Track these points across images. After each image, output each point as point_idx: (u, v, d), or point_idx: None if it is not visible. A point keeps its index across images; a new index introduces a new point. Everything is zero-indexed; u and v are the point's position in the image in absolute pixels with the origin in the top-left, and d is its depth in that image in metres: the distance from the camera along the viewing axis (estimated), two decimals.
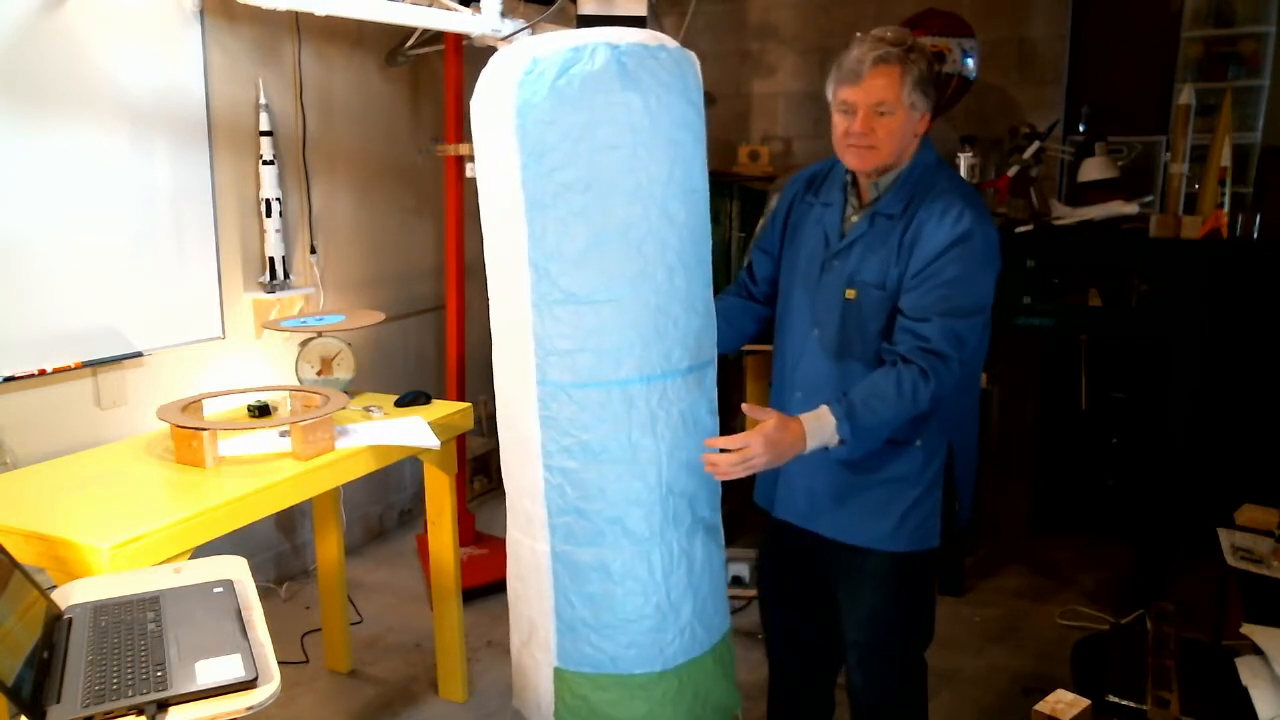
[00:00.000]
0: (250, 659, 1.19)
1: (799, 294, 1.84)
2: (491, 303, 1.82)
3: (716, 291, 1.86)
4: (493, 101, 1.66)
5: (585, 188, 1.61)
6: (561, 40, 1.61)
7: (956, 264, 1.64)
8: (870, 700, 1.88)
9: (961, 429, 1.84)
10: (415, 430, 2.18)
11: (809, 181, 1.90)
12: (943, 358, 1.63)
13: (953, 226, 1.64)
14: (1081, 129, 3.61)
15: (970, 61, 3.43)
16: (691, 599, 1.82)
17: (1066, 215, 3.20)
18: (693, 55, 1.74)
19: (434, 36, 3.26)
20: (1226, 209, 2.92)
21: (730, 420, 3.57)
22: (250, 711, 1.13)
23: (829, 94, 1.75)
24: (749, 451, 1.57)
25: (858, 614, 1.85)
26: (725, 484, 1.91)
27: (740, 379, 3.66)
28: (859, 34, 1.71)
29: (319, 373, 2.51)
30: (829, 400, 1.63)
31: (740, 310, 2.00)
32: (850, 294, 1.74)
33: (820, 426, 1.61)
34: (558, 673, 1.81)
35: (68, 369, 2.37)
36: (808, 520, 1.88)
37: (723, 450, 1.61)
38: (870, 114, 1.67)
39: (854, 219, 1.78)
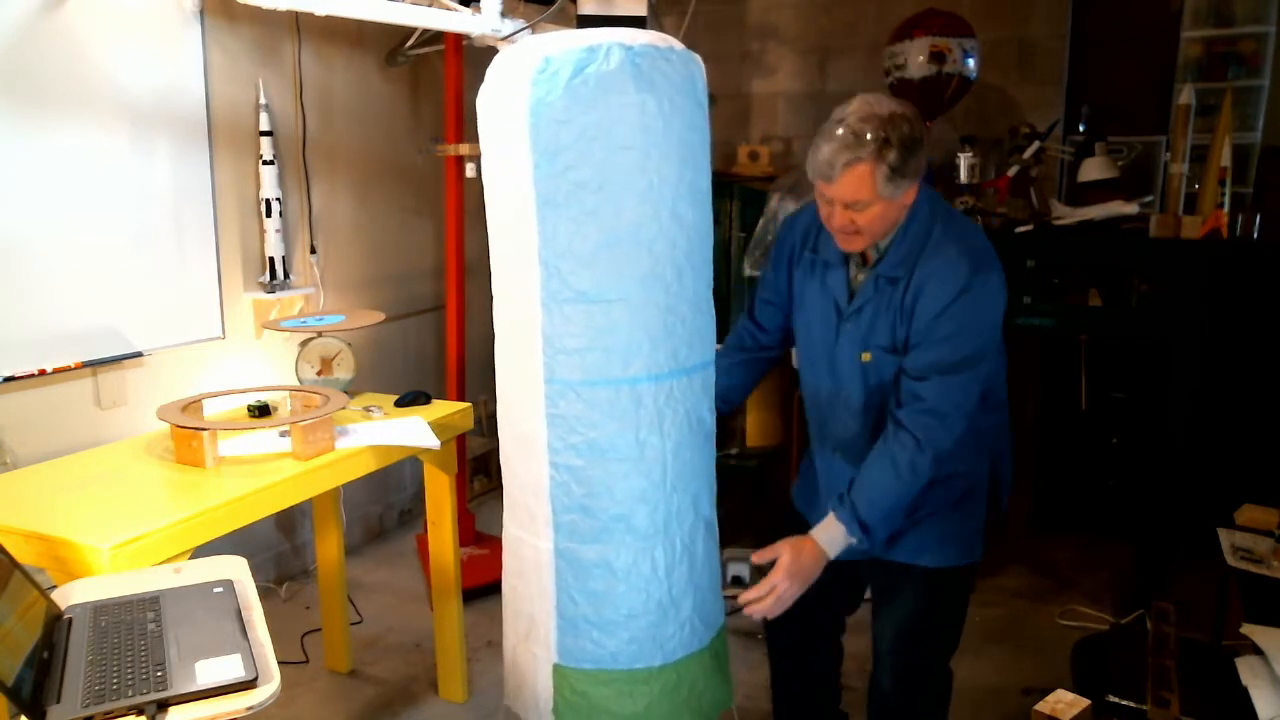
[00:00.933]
0: (250, 659, 1.18)
1: (818, 354, 1.85)
2: (496, 301, 1.82)
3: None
4: (503, 99, 1.66)
5: (598, 187, 1.62)
6: (574, 39, 1.61)
7: (955, 319, 1.65)
8: (898, 705, 1.88)
9: (999, 443, 1.88)
10: (415, 430, 2.18)
11: (805, 234, 1.87)
12: (940, 416, 1.65)
13: (950, 284, 1.65)
14: (1081, 129, 3.61)
15: (970, 61, 3.43)
16: (693, 594, 1.82)
17: (1066, 215, 3.20)
18: (699, 58, 1.75)
19: (434, 36, 3.26)
20: (1226, 209, 2.92)
21: (731, 419, 3.58)
22: (250, 711, 1.13)
23: (808, 175, 1.72)
24: (779, 590, 1.68)
25: (895, 624, 1.85)
26: (725, 485, 1.92)
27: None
28: (834, 119, 1.66)
29: (319, 373, 2.51)
30: (833, 505, 1.69)
31: (746, 366, 2.04)
32: (866, 357, 1.76)
33: (832, 536, 1.69)
34: (557, 669, 1.81)
35: (68, 369, 2.37)
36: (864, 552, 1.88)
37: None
38: (846, 210, 1.66)
39: (860, 278, 1.78)
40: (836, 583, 1.93)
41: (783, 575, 1.68)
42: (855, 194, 1.63)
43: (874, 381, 1.77)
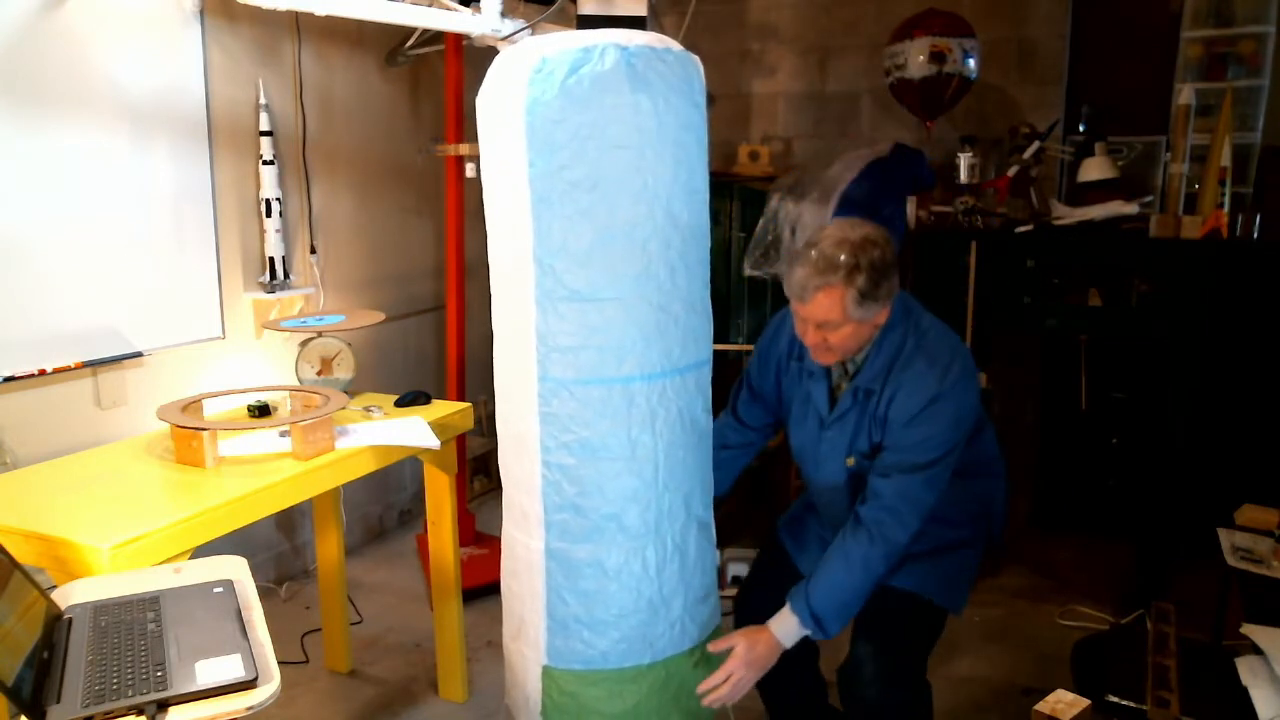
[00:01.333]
0: (250, 659, 1.19)
1: (808, 453, 1.94)
2: (494, 299, 1.83)
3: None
4: (501, 99, 1.66)
5: (592, 186, 1.62)
6: (570, 40, 1.62)
7: (924, 426, 1.73)
8: (882, 709, 1.88)
9: (992, 499, 1.97)
10: (415, 430, 2.18)
11: (790, 343, 1.93)
12: (895, 513, 1.73)
13: (920, 395, 1.73)
14: (1081, 129, 3.61)
15: (970, 61, 3.43)
16: (683, 594, 1.83)
17: (1066, 215, 3.20)
18: (696, 59, 1.75)
19: (434, 36, 3.26)
20: (1226, 209, 2.92)
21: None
22: (250, 711, 1.13)
23: (785, 292, 1.79)
24: (736, 678, 1.74)
25: (873, 650, 1.85)
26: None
27: (738, 379, 3.66)
28: (809, 241, 1.74)
29: (319, 373, 2.51)
30: (790, 597, 1.77)
31: (729, 463, 2.09)
32: (850, 462, 1.85)
33: (787, 629, 1.77)
34: (546, 671, 1.82)
35: (68, 369, 2.37)
36: None
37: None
38: (818, 329, 1.73)
39: (843, 386, 1.86)
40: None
41: (739, 664, 1.75)
42: (827, 315, 1.70)
43: (857, 482, 1.85)
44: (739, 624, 2.03)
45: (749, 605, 2.06)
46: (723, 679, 1.75)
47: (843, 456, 1.85)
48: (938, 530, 1.85)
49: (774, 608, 1.92)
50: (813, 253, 1.69)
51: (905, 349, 1.77)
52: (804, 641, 2.04)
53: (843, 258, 1.66)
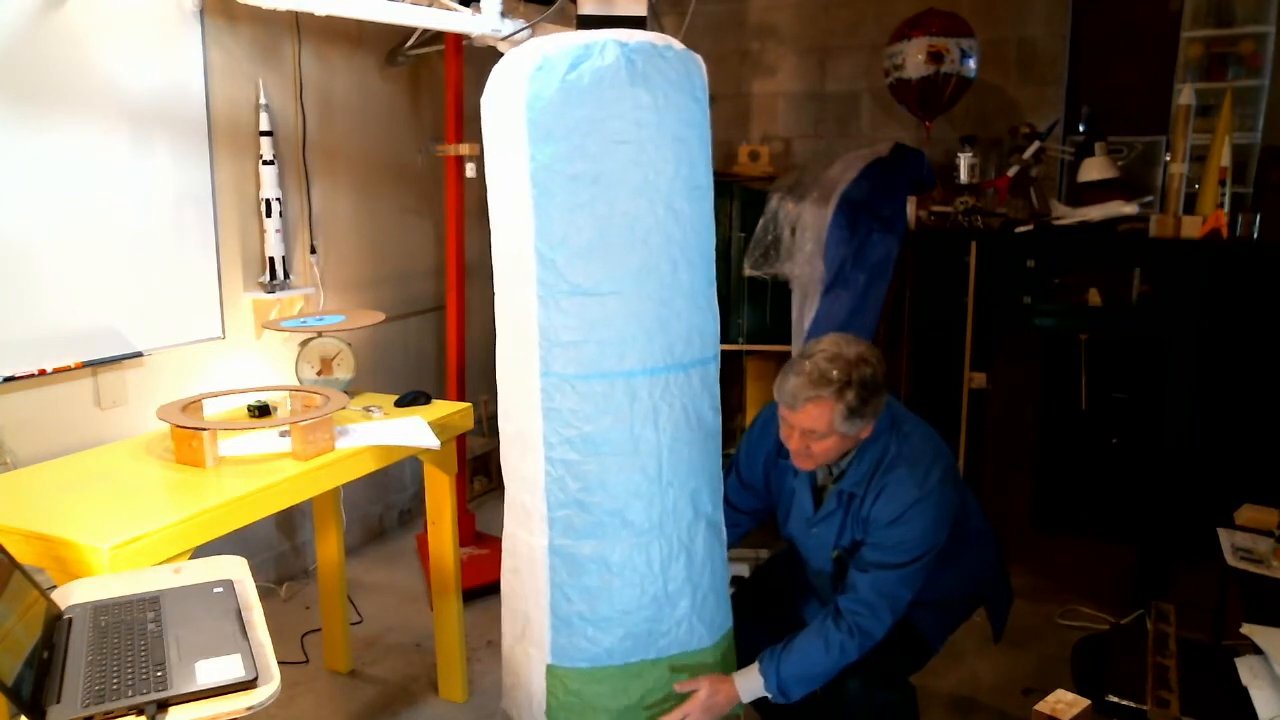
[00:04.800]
0: (250, 659, 1.19)
1: (797, 541, 2.00)
2: (496, 294, 1.83)
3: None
4: (504, 96, 1.67)
5: (593, 180, 1.62)
6: (572, 38, 1.63)
7: (905, 528, 1.77)
8: (865, 693, 1.89)
9: (981, 569, 2.05)
10: (415, 430, 2.18)
11: (777, 441, 1.95)
12: (870, 606, 1.78)
13: (901, 499, 1.77)
14: (1081, 129, 3.61)
15: (969, 61, 3.43)
16: (691, 593, 1.82)
17: (1066, 215, 3.20)
18: (698, 57, 1.75)
19: (434, 36, 3.26)
20: (1226, 209, 2.92)
21: (730, 420, 3.57)
22: (250, 711, 1.13)
23: (775, 397, 1.83)
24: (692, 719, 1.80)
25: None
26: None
27: (741, 378, 3.67)
28: (804, 353, 1.79)
29: (319, 373, 2.50)
30: (761, 659, 1.82)
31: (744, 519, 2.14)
32: (835, 554, 1.90)
33: (751, 686, 1.81)
34: (550, 670, 1.81)
35: (68, 369, 2.36)
36: (810, 612, 2.02)
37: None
38: (803, 435, 1.77)
39: (829, 487, 1.90)
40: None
41: (697, 708, 1.79)
42: (813, 425, 1.74)
43: (842, 574, 1.90)
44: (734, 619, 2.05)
45: (746, 604, 2.07)
46: (677, 718, 1.80)
47: (829, 550, 1.90)
48: (931, 598, 1.92)
49: (768, 615, 1.97)
50: (807, 364, 1.74)
51: (888, 455, 1.81)
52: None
53: (835, 373, 1.71)
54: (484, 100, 1.74)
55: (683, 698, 1.83)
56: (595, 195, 1.63)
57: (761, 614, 2.08)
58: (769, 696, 1.81)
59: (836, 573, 1.91)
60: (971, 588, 2.06)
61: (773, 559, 2.24)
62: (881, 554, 1.79)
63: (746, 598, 2.13)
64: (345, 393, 2.32)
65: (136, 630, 1.25)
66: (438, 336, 3.88)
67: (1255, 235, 3.08)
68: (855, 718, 1.87)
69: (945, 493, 1.81)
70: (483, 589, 3.03)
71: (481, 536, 3.49)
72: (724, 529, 1.94)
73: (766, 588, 2.17)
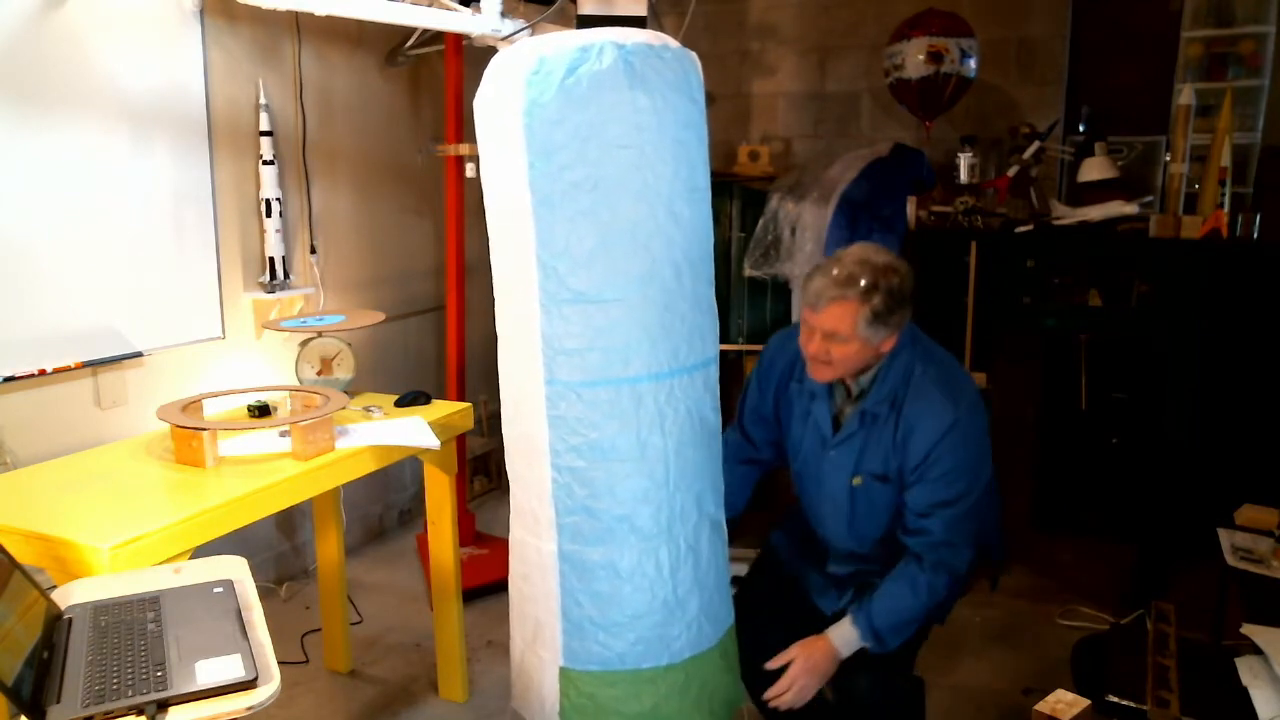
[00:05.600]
0: (250, 659, 1.18)
1: (809, 473, 1.96)
2: (497, 302, 1.82)
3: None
4: (498, 101, 1.66)
5: (594, 186, 1.62)
6: (568, 40, 1.61)
7: (948, 457, 1.75)
8: (874, 689, 1.89)
9: (985, 522, 1.96)
10: (415, 430, 2.18)
11: (790, 364, 1.94)
12: (951, 546, 1.78)
13: (938, 424, 1.75)
14: (1081, 129, 3.61)
15: (969, 61, 3.43)
16: (698, 594, 1.82)
17: (1066, 215, 3.20)
18: (694, 55, 1.75)
19: (434, 36, 3.26)
20: (1226, 209, 2.92)
21: (730, 420, 3.58)
22: (250, 711, 1.13)
23: (801, 302, 1.82)
24: (799, 684, 1.79)
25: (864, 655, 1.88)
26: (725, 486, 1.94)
27: (741, 378, 3.66)
28: (833, 257, 1.77)
29: (319, 373, 2.50)
30: (851, 611, 1.81)
31: (745, 477, 2.12)
32: (857, 481, 1.86)
33: (847, 639, 1.80)
34: (563, 672, 1.81)
35: (68, 369, 2.36)
36: (825, 603, 1.98)
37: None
38: (824, 339, 1.75)
39: (847, 410, 1.87)
40: (812, 620, 1.96)
41: (799, 672, 1.79)
42: (836, 326, 1.72)
43: (863, 503, 1.88)
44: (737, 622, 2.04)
45: (746, 606, 2.06)
46: (786, 687, 1.79)
47: (848, 476, 1.87)
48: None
49: (771, 610, 1.96)
50: (835, 267, 1.72)
51: (914, 376, 1.79)
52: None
53: (864, 278, 1.69)
54: (477, 102, 1.73)
55: (701, 704, 1.83)
56: (596, 201, 1.62)
57: (766, 610, 2.06)
58: (868, 647, 1.79)
59: (853, 505, 1.87)
60: (981, 539, 2.01)
61: (758, 559, 2.22)
62: (934, 491, 1.76)
63: (745, 598, 2.11)
64: (345, 393, 2.32)
65: (136, 630, 1.25)
66: (438, 336, 3.88)
67: (1255, 235, 3.08)
68: (864, 715, 1.87)
69: (979, 417, 1.78)
70: (483, 589, 3.03)
71: (482, 536, 3.49)
72: (725, 528, 1.94)
73: (761, 585, 2.15)
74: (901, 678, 1.92)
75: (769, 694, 1.81)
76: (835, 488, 1.90)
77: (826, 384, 1.87)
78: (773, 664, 1.82)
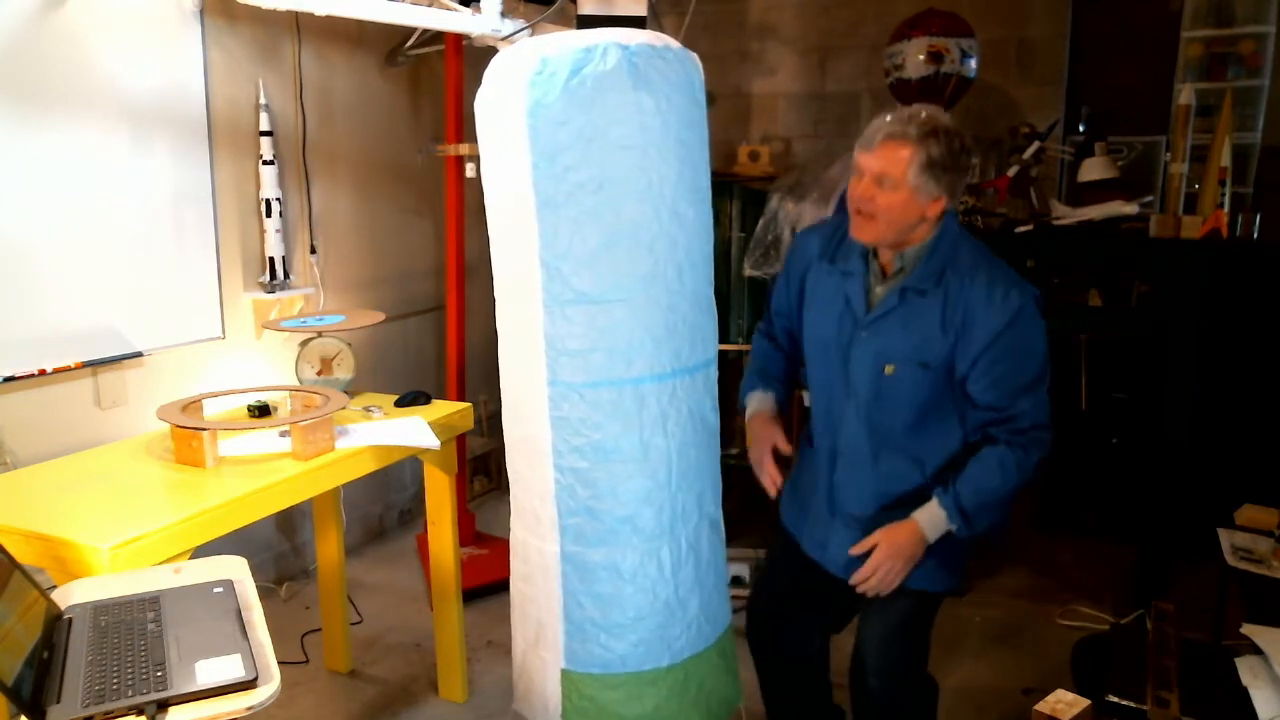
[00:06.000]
0: (250, 659, 1.18)
1: (830, 362, 1.84)
2: (498, 303, 1.82)
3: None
4: (501, 101, 1.65)
5: (598, 187, 1.62)
6: (571, 40, 1.61)
7: (1020, 339, 1.68)
8: (886, 704, 1.88)
9: None
10: (415, 430, 2.18)
11: (823, 246, 1.86)
12: (1042, 428, 1.73)
13: (1003, 304, 1.67)
14: (1081, 129, 3.61)
15: (969, 61, 3.43)
16: (699, 594, 1.82)
17: (1066, 215, 3.20)
18: (695, 56, 1.75)
19: (434, 36, 3.26)
20: (1226, 209, 2.92)
21: (729, 420, 3.57)
22: (250, 711, 1.13)
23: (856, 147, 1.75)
24: (885, 567, 1.71)
25: (879, 631, 1.85)
26: (725, 485, 1.93)
27: (741, 378, 3.66)
28: (898, 108, 1.72)
29: (319, 373, 2.50)
30: (938, 493, 1.72)
31: (786, 364, 2.03)
32: (889, 369, 1.74)
33: (933, 519, 1.72)
34: (565, 674, 1.81)
35: (68, 369, 2.36)
36: (836, 567, 1.88)
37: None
38: (873, 183, 1.67)
39: (879, 291, 1.77)
40: (824, 599, 1.94)
41: (884, 555, 1.71)
42: (886, 168, 1.64)
43: (890, 395, 1.75)
44: (753, 621, 2.01)
45: (764, 600, 2.04)
46: (871, 571, 1.71)
47: (879, 363, 1.74)
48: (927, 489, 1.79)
49: (791, 597, 1.92)
50: (899, 112, 1.67)
51: (962, 254, 1.70)
52: (818, 641, 2.03)
53: (924, 125, 1.63)
54: (479, 103, 1.72)
55: (699, 703, 1.83)
56: (600, 202, 1.62)
57: (799, 601, 1.99)
58: (953, 530, 1.71)
59: (876, 398, 1.76)
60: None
61: (771, 557, 2.16)
62: (1014, 378, 1.69)
63: (766, 597, 2.04)
64: (345, 393, 2.32)
65: (136, 630, 1.25)
66: (438, 336, 3.88)
67: (1255, 235, 3.08)
68: (875, 715, 1.86)
69: (1042, 307, 1.71)
70: (483, 589, 3.03)
71: (481, 536, 3.48)
72: (723, 527, 1.93)
73: (780, 569, 2.06)
74: (915, 677, 1.90)
75: (856, 578, 1.74)
76: (863, 377, 1.77)
77: (863, 262, 1.78)
78: (857, 549, 1.74)
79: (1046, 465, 3.45)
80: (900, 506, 1.77)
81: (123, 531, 1.59)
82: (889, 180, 1.64)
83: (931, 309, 1.70)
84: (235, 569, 1.46)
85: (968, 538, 1.79)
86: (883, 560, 1.71)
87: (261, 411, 2.18)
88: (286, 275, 2.99)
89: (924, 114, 1.66)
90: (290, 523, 3.26)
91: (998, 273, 1.70)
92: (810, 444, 1.95)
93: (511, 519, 1.91)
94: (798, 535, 1.97)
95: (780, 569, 2.04)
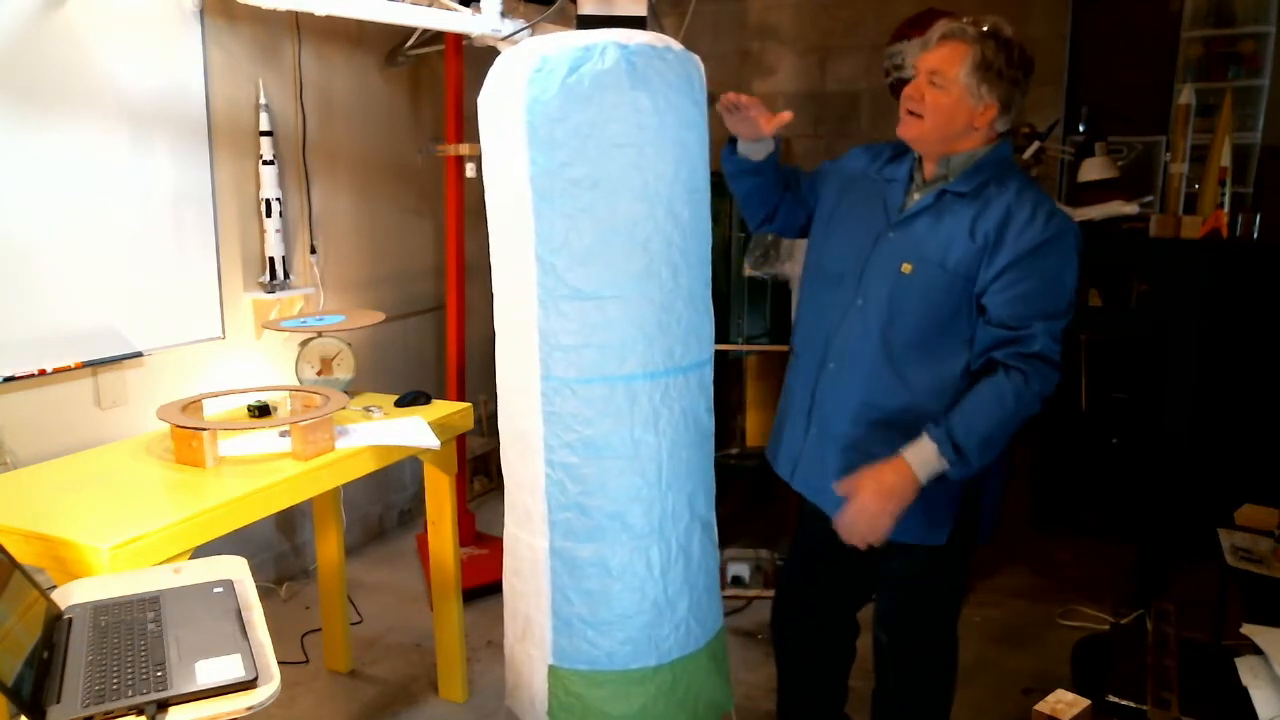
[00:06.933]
0: (250, 659, 1.18)
1: (846, 261, 1.77)
2: (495, 298, 1.83)
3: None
4: (501, 99, 1.66)
5: (593, 184, 1.62)
6: (570, 39, 1.62)
7: (1052, 265, 1.61)
8: (900, 689, 1.88)
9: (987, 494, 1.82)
10: (415, 430, 2.18)
11: (870, 159, 1.84)
12: (1047, 360, 1.62)
13: (1045, 224, 1.61)
14: (1081, 129, 3.61)
15: None
16: (688, 595, 1.82)
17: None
18: (696, 58, 1.75)
19: (434, 36, 3.26)
20: (1226, 209, 2.92)
21: (730, 420, 3.57)
22: (250, 711, 1.13)
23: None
24: (870, 511, 1.59)
25: (891, 610, 1.85)
26: (725, 485, 1.92)
27: (741, 378, 3.66)
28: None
29: (319, 373, 2.51)
30: (927, 427, 1.61)
31: (783, 174, 1.94)
32: (907, 268, 1.68)
33: (924, 456, 1.60)
34: (552, 670, 1.81)
35: (68, 369, 2.36)
36: (809, 490, 1.85)
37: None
38: (925, 80, 1.67)
39: (916, 196, 1.73)
40: (845, 578, 1.93)
41: (868, 496, 1.59)
42: (940, 64, 1.64)
43: (902, 296, 1.69)
44: (782, 609, 2.01)
45: (793, 589, 2.03)
46: (853, 516, 1.61)
47: (898, 262, 1.68)
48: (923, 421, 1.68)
49: (808, 574, 1.91)
50: (967, 17, 1.67)
51: (1011, 180, 1.66)
52: (840, 648, 2.03)
53: (982, 29, 1.62)
54: (481, 102, 1.74)
55: (687, 705, 1.83)
56: (596, 200, 1.63)
57: (815, 578, 1.96)
58: (946, 469, 1.59)
59: (891, 301, 1.69)
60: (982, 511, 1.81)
61: (789, 565, 2.12)
62: (1040, 298, 1.60)
63: (800, 590, 2.01)
64: (345, 393, 2.32)
65: (136, 630, 1.25)
66: (438, 336, 3.88)
67: (1255, 235, 3.08)
68: (891, 713, 1.86)
69: (1075, 236, 1.64)
70: (483, 589, 3.03)
71: (481, 536, 3.49)
72: (715, 529, 1.93)
73: (801, 543, 2.02)
74: (932, 686, 1.89)
75: (837, 523, 1.63)
76: (877, 278, 1.71)
77: (907, 172, 1.75)
78: (841, 486, 1.63)
79: (1043, 457, 3.42)
80: (881, 427, 1.70)
81: (123, 531, 1.59)
82: (940, 77, 1.64)
83: (964, 213, 1.65)
84: (235, 569, 1.46)
85: (968, 480, 1.68)
86: (867, 501, 1.59)
87: (261, 411, 2.18)
88: (286, 275, 2.99)
89: (988, 20, 1.65)
90: (290, 523, 3.26)
91: (1045, 199, 1.66)
92: (795, 357, 1.90)
93: (505, 515, 1.92)
94: (774, 461, 1.94)
95: (798, 545, 2.05)
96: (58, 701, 1.10)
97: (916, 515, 1.66)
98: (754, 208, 1.93)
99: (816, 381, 1.80)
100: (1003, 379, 1.61)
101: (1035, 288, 1.61)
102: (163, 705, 1.11)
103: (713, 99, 1.80)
